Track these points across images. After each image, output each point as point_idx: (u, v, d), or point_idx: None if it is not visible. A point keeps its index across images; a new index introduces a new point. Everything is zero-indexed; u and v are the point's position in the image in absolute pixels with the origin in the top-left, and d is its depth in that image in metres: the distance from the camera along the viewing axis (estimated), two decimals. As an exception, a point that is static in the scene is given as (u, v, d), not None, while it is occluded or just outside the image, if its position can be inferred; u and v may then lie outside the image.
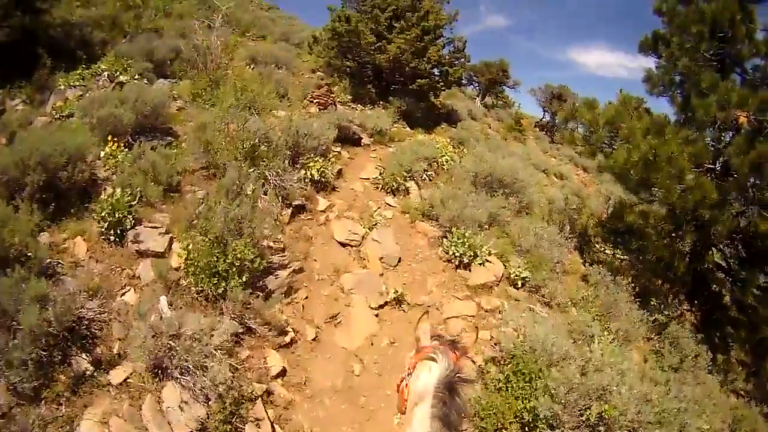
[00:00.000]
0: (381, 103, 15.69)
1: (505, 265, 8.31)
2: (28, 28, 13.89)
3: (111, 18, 15.58)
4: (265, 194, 7.81)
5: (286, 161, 8.80)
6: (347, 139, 11.87)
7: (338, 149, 11.19)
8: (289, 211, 8.29)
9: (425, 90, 16.60)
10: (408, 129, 15.19)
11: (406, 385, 2.00)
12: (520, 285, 8.10)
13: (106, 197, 6.35)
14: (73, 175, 6.44)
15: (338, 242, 8.29)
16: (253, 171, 8.13)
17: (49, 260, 5.43)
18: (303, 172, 9.08)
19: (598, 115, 10.88)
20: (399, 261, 8.26)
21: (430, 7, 16.23)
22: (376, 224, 8.83)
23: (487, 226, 9.09)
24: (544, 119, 32.59)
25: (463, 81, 22.51)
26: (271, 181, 8.20)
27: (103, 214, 6.09)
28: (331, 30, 15.28)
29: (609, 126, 10.35)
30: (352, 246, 8.31)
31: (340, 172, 10.26)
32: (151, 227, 6.54)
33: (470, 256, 8.19)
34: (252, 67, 14.91)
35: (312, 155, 9.48)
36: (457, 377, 1.85)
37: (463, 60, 18.42)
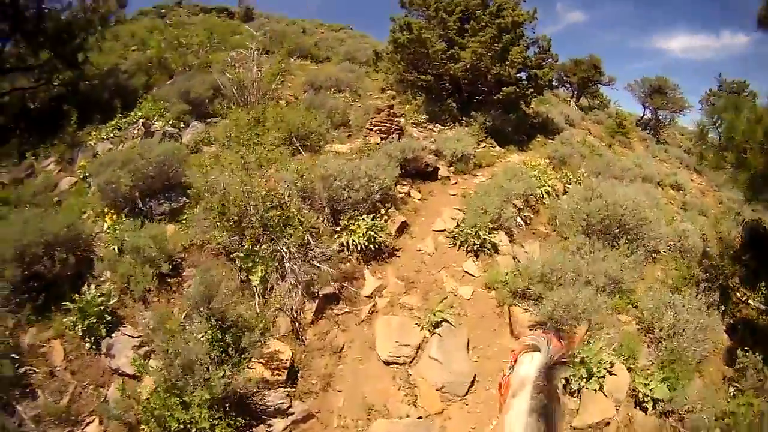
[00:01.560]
0: (463, 119, 12.33)
1: (630, 369, 5.23)
2: (69, 83, 12.31)
3: (157, 59, 13.63)
4: (284, 279, 4.91)
5: (324, 220, 5.82)
6: (419, 173, 8.70)
7: (405, 190, 8.14)
8: (315, 304, 5.46)
9: (513, 99, 13.00)
10: (497, 149, 11.69)
11: (507, 380, 1.75)
12: (650, 408, 4.97)
13: (78, 297, 5.19)
14: (53, 265, 5.56)
15: (380, 358, 5.21)
16: (269, 246, 5.25)
17: (24, 368, 4.84)
18: (344, 237, 6.02)
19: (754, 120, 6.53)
20: (472, 384, 5.04)
21: (503, 2, 12.66)
22: (442, 323, 5.52)
23: (605, 300, 5.56)
24: (645, 116, 27.23)
25: (554, 83, 18.52)
26: (287, 264, 5.31)
27: (73, 318, 5.14)
28: (393, 42, 12.22)
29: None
30: (399, 364, 5.18)
31: (402, 227, 7.17)
32: (128, 336, 5.18)
33: (582, 377, 4.84)
34: (308, 93, 12.25)
35: (361, 208, 6.46)
36: (560, 365, 1.65)
37: (550, 60, 14.61)
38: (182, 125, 10.54)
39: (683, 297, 6.05)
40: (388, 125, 9.18)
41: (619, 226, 7.22)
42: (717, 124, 7.75)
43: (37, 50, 11.22)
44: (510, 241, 7.13)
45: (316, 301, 5.51)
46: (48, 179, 9.09)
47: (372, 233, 6.30)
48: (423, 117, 11.80)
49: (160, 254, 5.66)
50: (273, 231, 5.63)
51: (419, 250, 6.84)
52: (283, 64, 11.29)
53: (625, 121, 21.54)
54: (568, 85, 24.98)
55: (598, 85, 25.23)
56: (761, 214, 9.76)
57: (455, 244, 6.97)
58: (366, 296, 5.91)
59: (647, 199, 8.44)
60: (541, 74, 13.54)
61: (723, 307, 6.31)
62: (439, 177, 8.93)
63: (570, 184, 9.72)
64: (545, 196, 8.64)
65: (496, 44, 11.91)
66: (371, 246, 6.29)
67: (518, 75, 13.14)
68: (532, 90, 13.57)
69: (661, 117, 25.92)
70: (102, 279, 5.77)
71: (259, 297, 5.41)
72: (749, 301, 7.74)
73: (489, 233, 6.89)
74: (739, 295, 7.75)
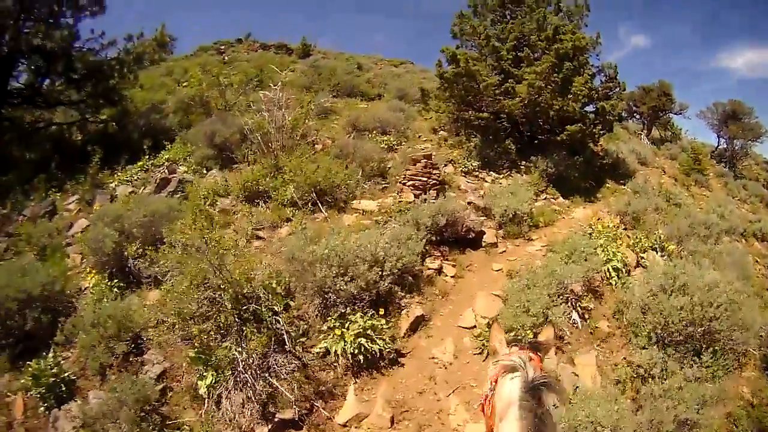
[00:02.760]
0: (522, 164, 10.38)
1: None
2: (106, 120, 11.60)
3: (199, 98, 12.69)
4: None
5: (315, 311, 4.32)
6: (459, 239, 6.85)
7: (435, 264, 6.36)
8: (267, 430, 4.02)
9: (579, 138, 10.88)
10: (560, 200, 9.64)
11: (490, 402, 1.67)
12: None
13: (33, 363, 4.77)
14: (25, 321, 5.22)
15: None
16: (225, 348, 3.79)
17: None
18: (328, 342, 4.49)
19: None
20: None
21: (560, 24, 10.69)
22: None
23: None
24: (720, 146, 23.75)
25: (624, 115, 16.06)
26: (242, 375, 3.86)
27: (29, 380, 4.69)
28: (439, 76, 10.54)
29: None
30: None
31: (417, 322, 5.38)
32: (72, 414, 4.52)
33: None
34: (349, 136, 10.79)
35: (359, 303, 4.87)
36: (542, 381, 1.52)
37: (618, 90, 12.34)
38: (204, 171, 9.37)
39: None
40: (424, 179, 7.47)
41: (706, 333, 5.08)
42: None
43: (79, 87, 10.71)
44: (557, 348, 5.08)
45: (270, 425, 3.97)
46: (64, 219, 8.45)
47: (364, 340, 4.56)
48: (475, 163, 9.90)
49: (125, 331, 4.97)
50: (234, 330, 4.07)
51: (433, 358, 5.00)
52: (313, 105, 9.81)
53: (700, 155, 18.51)
54: (637, 116, 22.16)
55: (670, 114, 22.23)
56: None
57: (482, 351, 5.04)
58: (340, 424, 4.22)
59: (740, 280, 6.26)
60: (609, 107, 11.38)
61: None
62: (483, 244, 7.05)
63: (644, 252, 7.49)
64: (612, 274, 6.51)
65: (555, 74, 9.93)
66: (366, 354, 4.57)
67: (584, 109, 11.04)
68: (599, 126, 11.40)
69: (737, 146, 22.41)
70: (68, 345, 5.31)
71: (208, 405, 4.10)
72: None
73: (534, 334, 4.92)
74: None
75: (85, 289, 6.14)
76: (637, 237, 7.82)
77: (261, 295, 4.52)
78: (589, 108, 11.60)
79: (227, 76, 12.74)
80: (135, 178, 9.48)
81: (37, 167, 9.95)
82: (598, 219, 8.46)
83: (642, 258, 7.33)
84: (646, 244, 7.67)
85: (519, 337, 4.52)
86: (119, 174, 9.66)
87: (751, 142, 22.50)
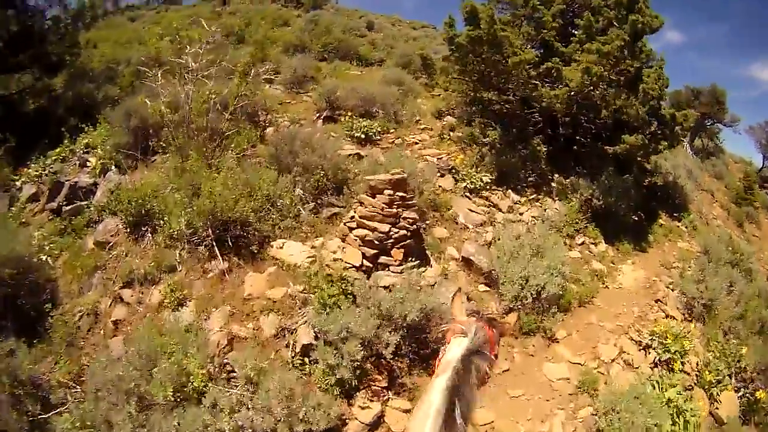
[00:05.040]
0: (554, 180, 6.85)
1: None
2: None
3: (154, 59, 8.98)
4: None
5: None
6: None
7: (373, 407, 3.26)
8: None
9: (636, 153, 7.24)
10: (601, 245, 6.17)
11: (439, 359, 1.65)
12: None
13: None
14: None
15: None
16: None
17: None
18: None
19: None
20: None
21: None
22: None
23: None
24: (764, 167, 19.46)
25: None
26: None
27: None
28: (449, 41, 6.78)
29: None
30: None
31: None
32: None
33: None
34: (318, 119, 7.26)
35: None
36: (477, 350, 1.57)
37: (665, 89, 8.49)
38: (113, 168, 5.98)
39: None
40: (385, 229, 3.93)
41: None
42: None
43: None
44: None
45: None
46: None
47: None
48: (487, 178, 6.18)
49: None
50: None
51: None
52: (249, 79, 6.06)
53: (753, 182, 14.48)
54: (680, 120, 17.95)
55: (719, 124, 18.07)
56: None
57: None
58: None
59: None
60: (681, 117, 7.64)
61: None
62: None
63: (720, 380, 4.21)
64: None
65: (627, 60, 6.21)
66: None
67: (649, 116, 7.31)
68: (662, 139, 7.68)
69: None
70: None
71: None
72: None
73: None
74: None
75: None
76: (710, 343, 4.51)
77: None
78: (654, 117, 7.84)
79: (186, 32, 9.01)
80: (46, 172, 6.43)
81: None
82: (657, 302, 5.12)
83: (714, 391, 4.17)
84: (724, 370, 4.34)
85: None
86: (31, 166, 6.57)
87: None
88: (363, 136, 6.62)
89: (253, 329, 3.71)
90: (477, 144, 6.66)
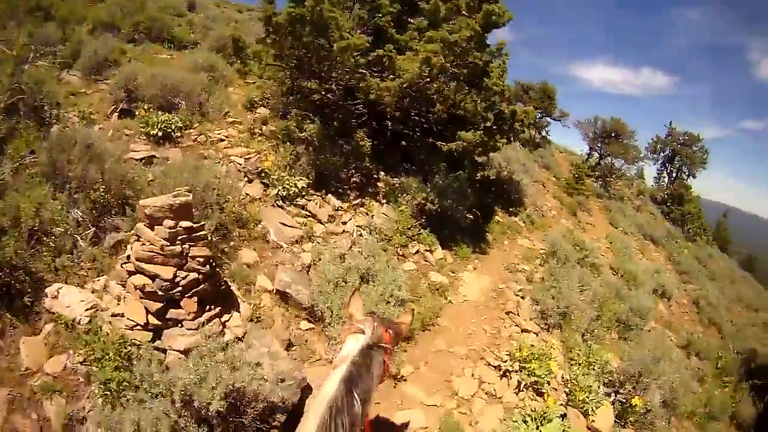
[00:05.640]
0: (380, 179, 6.12)
1: None
2: None
3: None
4: None
5: None
6: None
7: None
8: None
9: (473, 150, 6.93)
10: (437, 252, 5.67)
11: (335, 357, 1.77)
12: None
13: None
14: None
15: None
16: None
17: None
18: None
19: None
20: None
21: None
22: None
23: None
24: (590, 158, 21.83)
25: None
26: None
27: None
28: (265, 21, 5.54)
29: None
30: None
31: None
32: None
33: None
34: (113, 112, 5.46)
35: None
36: (378, 343, 1.73)
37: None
38: None
39: None
40: (169, 271, 2.70)
41: None
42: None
43: None
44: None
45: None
46: None
47: None
48: (302, 182, 5.13)
49: None
50: None
51: None
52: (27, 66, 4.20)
53: (584, 172, 15.92)
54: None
55: (548, 119, 19.93)
56: None
57: None
58: None
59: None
60: (521, 113, 7.59)
61: None
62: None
63: (591, 396, 3.97)
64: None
65: (474, 53, 5.75)
66: None
67: (487, 112, 7.07)
68: (499, 135, 7.57)
69: (616, 165, 20.66)
70: None
71: None
72: None
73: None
74: None
75: None
76: (576, 369, 4.26)
77: None
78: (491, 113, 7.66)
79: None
80: None
81: None
82: (509, 315, 4.75)
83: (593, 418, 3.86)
84: (594, 384, 4.14)
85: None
86: None
87: (629, 166, 21.14)
88: (160, 133, 5.12)
89: (39, 420, 2.53)
90: (292, 140, 5.60)
